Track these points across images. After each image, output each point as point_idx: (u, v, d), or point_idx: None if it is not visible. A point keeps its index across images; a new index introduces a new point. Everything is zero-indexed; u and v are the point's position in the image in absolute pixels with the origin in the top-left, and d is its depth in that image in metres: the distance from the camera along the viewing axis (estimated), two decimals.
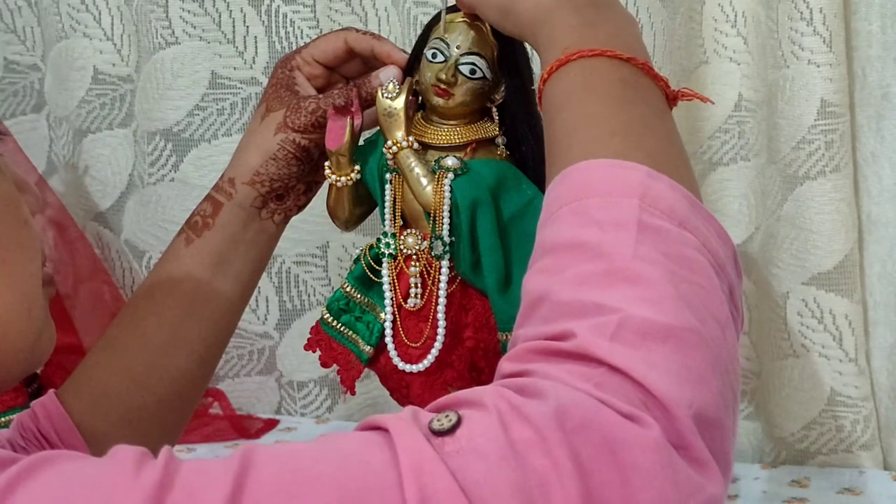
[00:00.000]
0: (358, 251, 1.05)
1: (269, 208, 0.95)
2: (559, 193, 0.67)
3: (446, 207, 0.97)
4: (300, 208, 0.98)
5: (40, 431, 0.88)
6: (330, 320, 1.05)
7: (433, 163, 0.98)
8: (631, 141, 0.67)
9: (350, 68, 1.00)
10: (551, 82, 0.73)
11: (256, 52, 1.45)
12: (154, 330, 0.91)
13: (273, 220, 0.96)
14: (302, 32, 1.44)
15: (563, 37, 0.74)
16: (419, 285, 1.00)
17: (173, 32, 1.45)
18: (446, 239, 0.98)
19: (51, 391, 0.92)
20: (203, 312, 0.93)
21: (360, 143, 1.01)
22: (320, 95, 0.96)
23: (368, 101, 0.96)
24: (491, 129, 0.99)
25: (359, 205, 1.03)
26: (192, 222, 0.94)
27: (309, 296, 1.50)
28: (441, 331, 0.99)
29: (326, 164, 1.01)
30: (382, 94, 0.97)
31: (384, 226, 1.01)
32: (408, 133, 0.97)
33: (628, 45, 0.73)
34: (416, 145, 0.98)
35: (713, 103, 0.83)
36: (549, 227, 0.66)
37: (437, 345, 0.99)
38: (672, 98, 0.74)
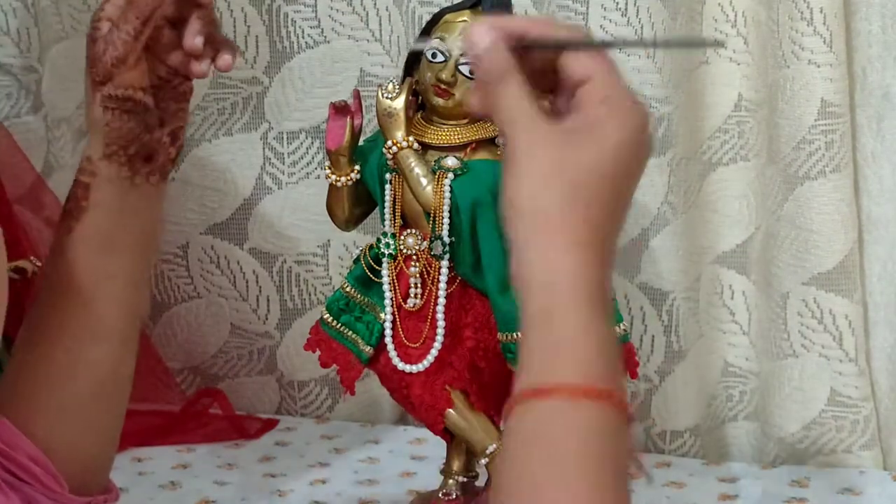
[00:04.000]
0: (358, 251, 1.05)
1: (142, 173, 0.89)
2: None
3: (446, 207, 0.97)
4: (174, 161, 0.90)
5: None
6: (330, 320, 1.05)
7: (433, 163, 0.98)
8: None
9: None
10: (517, 413, 0.64)
11: (258, 52, 1.45)
12: (63, 322, 0.89)
13: (150, 182, 0.90)
14: (303, 32, 1.44)
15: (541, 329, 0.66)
16: (419, 285, 1.00)
17: None
18: (446, 239, 0.98)
19: None
20: (104, 295, 0.90)
21: (360, 142, 1.01)
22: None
23: (146, 14, 0.83)
24: (491, 129, 0.99)
25: (358, 205, 1.03)
26: (67, 210, 0.90)
27: (310, 295, 1.50)
28: (440, 331, 0.99)
29: (326, 164, 1.01)
30: (382, 94, 0.97)
31: (384, 226, 1.01)
32: (408, 133, 0.97)
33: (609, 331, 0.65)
34: (416, 145, 0.98)
35: None
36: None
37: (437, 345, 0.99)
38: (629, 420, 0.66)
